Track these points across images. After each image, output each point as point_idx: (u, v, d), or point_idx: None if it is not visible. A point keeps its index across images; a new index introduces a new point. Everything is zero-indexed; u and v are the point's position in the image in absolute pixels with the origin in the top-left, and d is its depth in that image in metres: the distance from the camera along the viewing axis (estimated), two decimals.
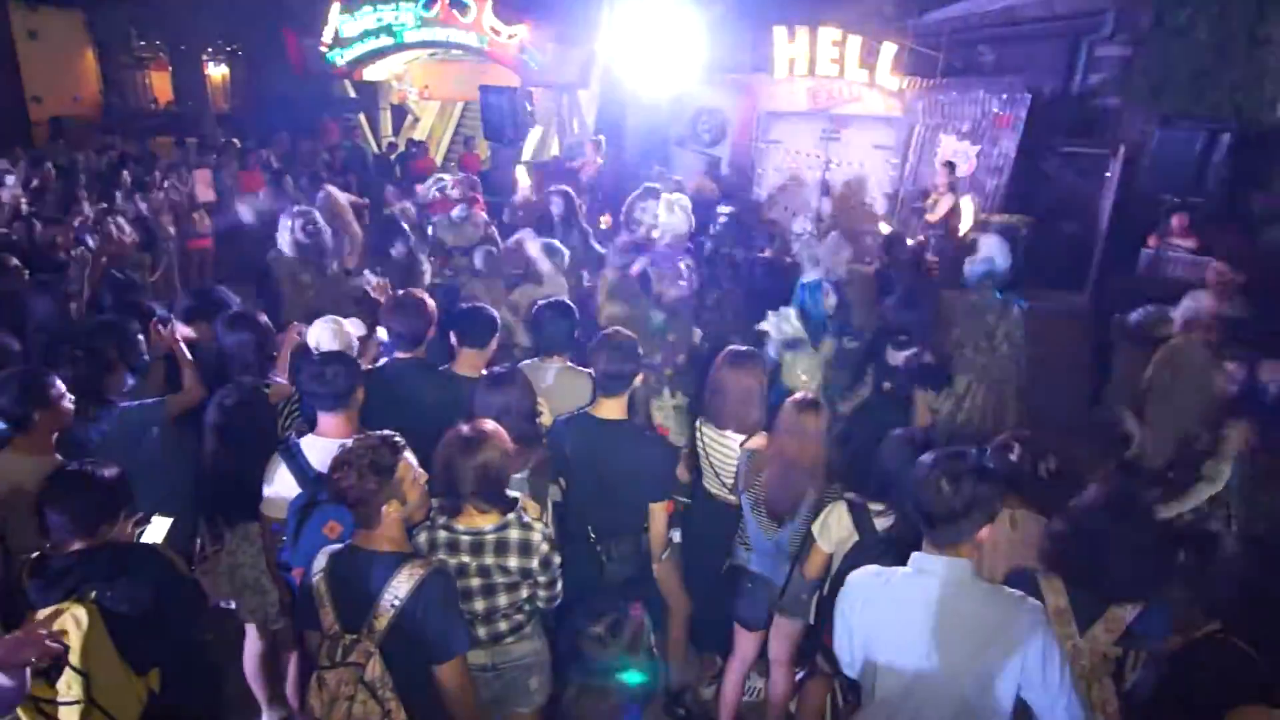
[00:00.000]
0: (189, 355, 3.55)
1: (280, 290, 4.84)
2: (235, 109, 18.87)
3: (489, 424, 2.45)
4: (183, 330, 3.69)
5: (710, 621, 3.37)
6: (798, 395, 2.96)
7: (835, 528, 2.76)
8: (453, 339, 3.38)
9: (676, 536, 3.30)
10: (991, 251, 4.75)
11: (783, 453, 2.89)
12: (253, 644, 3.27)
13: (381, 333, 3.83)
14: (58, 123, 15.07)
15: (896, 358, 3.87)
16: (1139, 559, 2.12)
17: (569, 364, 3.49)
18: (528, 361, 3.54)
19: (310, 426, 2.93)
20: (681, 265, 4.89)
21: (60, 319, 4.56)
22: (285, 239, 4.89)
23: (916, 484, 1.99)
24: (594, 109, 13.21)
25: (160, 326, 3.59)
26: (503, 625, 2.51)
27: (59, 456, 2.86)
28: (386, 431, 2.25)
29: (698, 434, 3.26)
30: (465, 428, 2.40)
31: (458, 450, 2.34)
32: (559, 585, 2.57)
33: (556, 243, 5.30)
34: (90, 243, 5.84)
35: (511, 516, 2.45)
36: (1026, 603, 1.94)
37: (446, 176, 8.02)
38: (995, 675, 1.88)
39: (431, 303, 3.45)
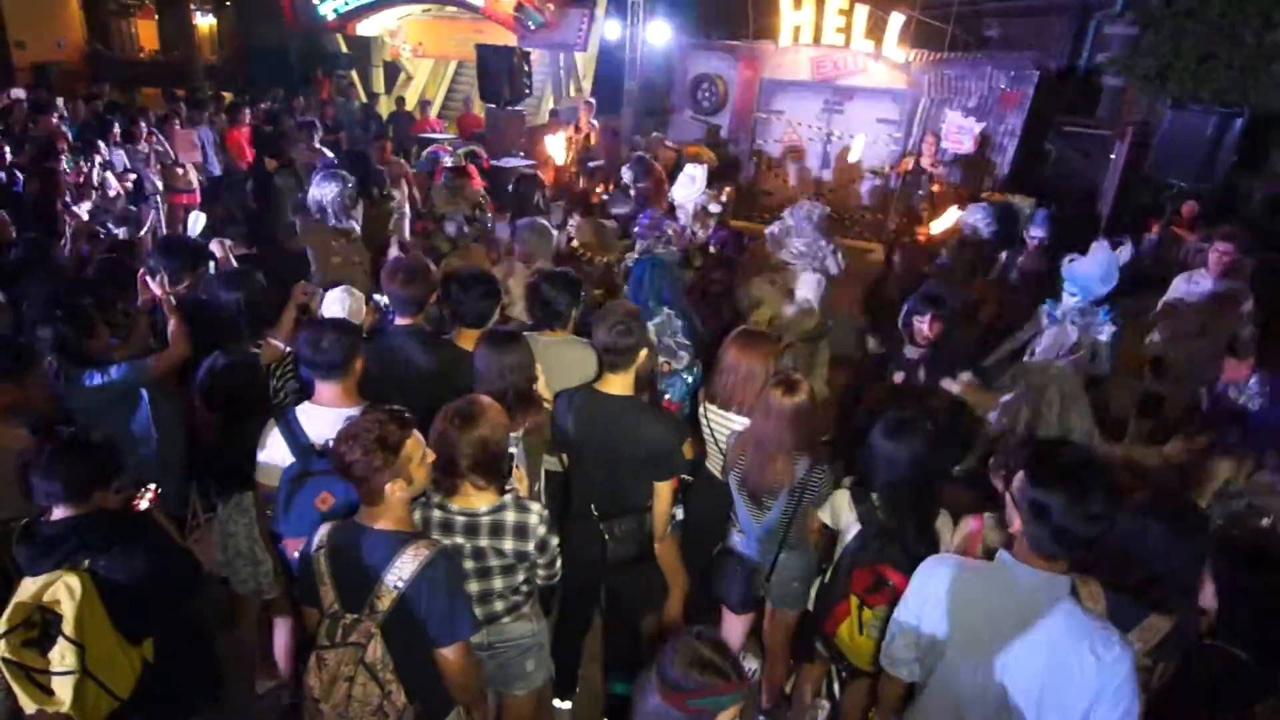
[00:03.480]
0: (176, 308, 3.43)
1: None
2: (223, 61, 18.38)
3: (485, 399, 2.39)
4: (154, 287, 3.53)
5: (708, 601, 3.36)
6: (782, 373, 2.88)
7: (845, 512, 2.74)
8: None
9: (680, 514, 3.26)
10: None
11: (757, 433, 2.82)
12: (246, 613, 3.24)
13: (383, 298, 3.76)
14: (41, 69, 14.64)
15: (914, 352, 3.77)
16: (1190, 568, 2.08)
17: (567, 335, 3.42)
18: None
19: (303, 390, 2.86)
20: (669, 230, 4.77)
21: (51, 276, 4.44)
22: (323, 200, 4.79)
23: (1060, 505, 1.79)
24: (591, 72, 12.97)
25: (149, 277, 3.47)
26: (498, 606, 2.47)
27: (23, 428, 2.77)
28: (396, 407, 2.18)
29: (702, 412, 3.21)
30: (462, 401, 2.33)
31: (455, 425, 2.27)
32: (558, 564, 2.53)
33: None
34: (68, 197, 5.67)
35: (508, 498, 2.39)
36: (1117, 636, 1.84)
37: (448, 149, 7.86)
38: (1075, 696, 1.82)
39: (434, 268, 3.36)
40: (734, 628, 3.18)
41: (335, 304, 3.30)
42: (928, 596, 2.03)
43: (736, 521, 3.04)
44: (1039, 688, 1.85)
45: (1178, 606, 2.12)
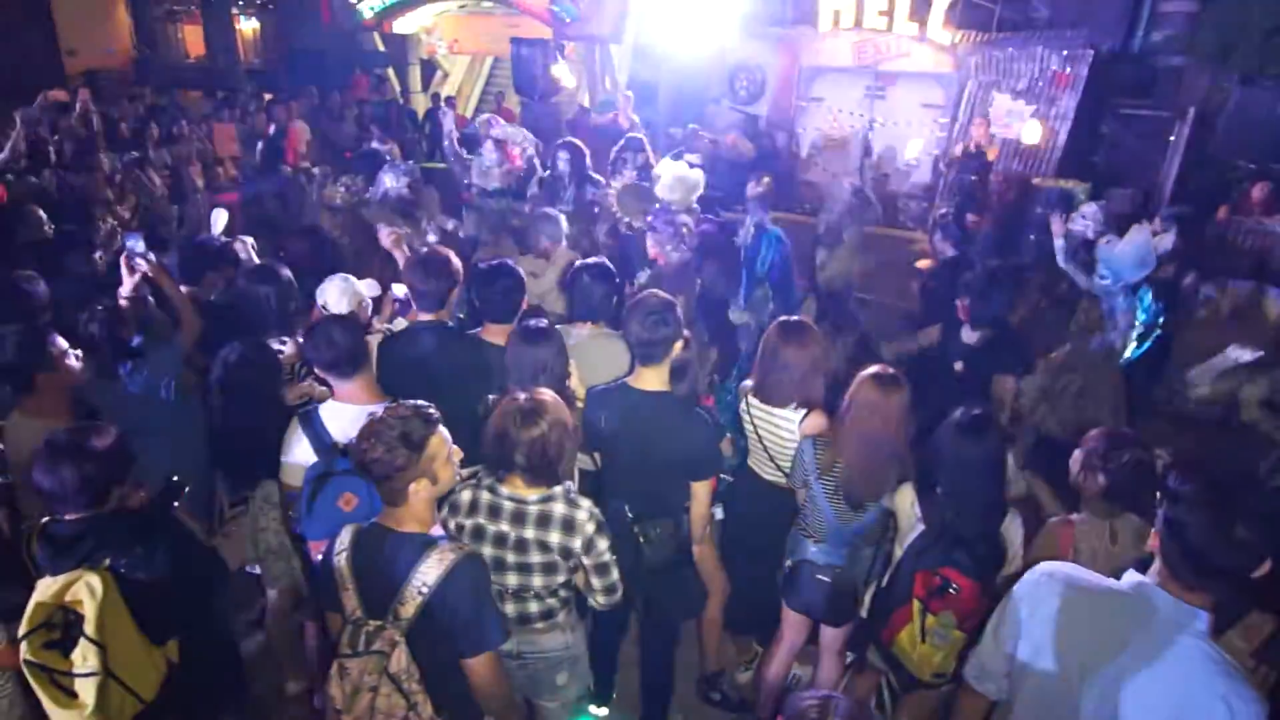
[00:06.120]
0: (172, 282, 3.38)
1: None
2: (266, 63, 18.72)
3: (549, 394, 2.28)
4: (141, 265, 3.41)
5: (748, 605, 3.21)
6: (876, 369, 2.69)
7: (908, 510, 2.58)
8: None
9: (719, 514, 3.11)
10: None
11: (864, 433, 2.62)
12: (276, 612, 3.18)
13: (401, 289, 3.69)
14: (91, 75, 15.01)
15: (971, 336, 3.61)
16: None
17: (604, 329, 3.30)
18: (557, 326, 3.35)
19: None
20: (683, 229, 4.63)
21: (88, 272, 4.46)
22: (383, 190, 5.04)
23: (1200, 524, 1.62)
24: (627, 64, 12.84)
25: (133, 260, 3.32)
26: (533, 606, 2.36)
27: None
28: (420, 402, 2.07)
29: (745, 411, 3.05)
30: (524, 397, 2.22)
31: (514, 421, 2.17)
32: (614, 574, 2.37)
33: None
34: (108, 195, 5.74)
35: (558, 489, 2.30)
36: (1250, 685, 1.66)
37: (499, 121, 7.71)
38: None
39: (457, 261, 3.26)
40: (800, 633, 3.03)
41: (335, 295, 3.28)
42: (1036, 611, 1.81)
43: (816, 530, 2.80)
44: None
45: None
